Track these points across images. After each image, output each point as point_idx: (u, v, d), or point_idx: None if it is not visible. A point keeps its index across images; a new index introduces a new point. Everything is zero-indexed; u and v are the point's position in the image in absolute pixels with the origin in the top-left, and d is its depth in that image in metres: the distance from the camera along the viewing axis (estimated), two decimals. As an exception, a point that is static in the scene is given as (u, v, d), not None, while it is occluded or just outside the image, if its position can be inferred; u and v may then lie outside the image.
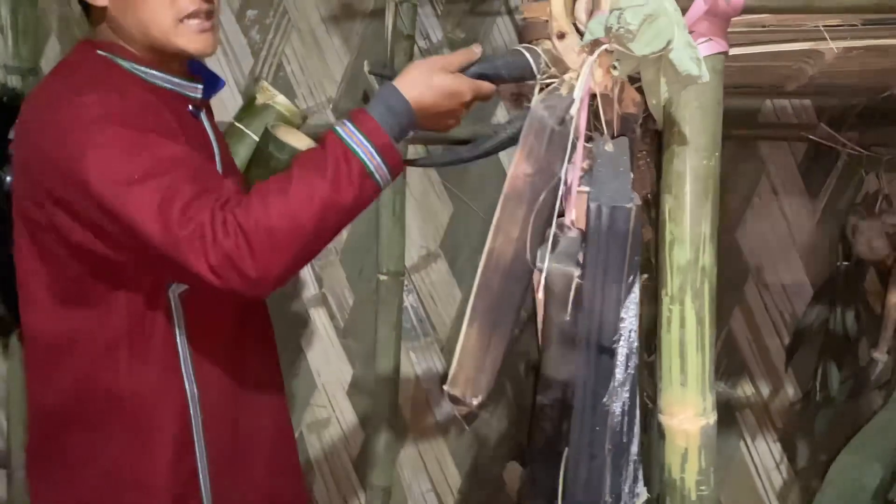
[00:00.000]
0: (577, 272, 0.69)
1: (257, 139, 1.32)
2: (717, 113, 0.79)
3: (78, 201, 0.99)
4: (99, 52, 1.08)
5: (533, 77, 0.91)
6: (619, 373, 0.74)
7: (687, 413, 0.82)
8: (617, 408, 0.75)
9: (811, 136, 1.51)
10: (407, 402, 2.12)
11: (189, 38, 1.07)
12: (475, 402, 0.73)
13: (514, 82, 0.94)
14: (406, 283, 2.02)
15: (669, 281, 0.80)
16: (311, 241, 0.96)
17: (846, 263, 1.44)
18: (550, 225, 0.71)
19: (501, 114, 2.03)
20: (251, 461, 1.18)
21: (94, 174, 0.97)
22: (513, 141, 0.92)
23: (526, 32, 1.17)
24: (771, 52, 0.94)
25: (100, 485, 1.10)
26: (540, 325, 0.73)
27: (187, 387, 1.10)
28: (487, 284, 0.73)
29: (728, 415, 1.91)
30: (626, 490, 0.77)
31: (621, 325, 0.73)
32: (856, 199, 1.53)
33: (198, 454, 1.11)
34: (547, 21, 0.96)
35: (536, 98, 0.74)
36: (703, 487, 0.83)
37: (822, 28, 0.90)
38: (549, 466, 0.74)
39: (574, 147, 0.69)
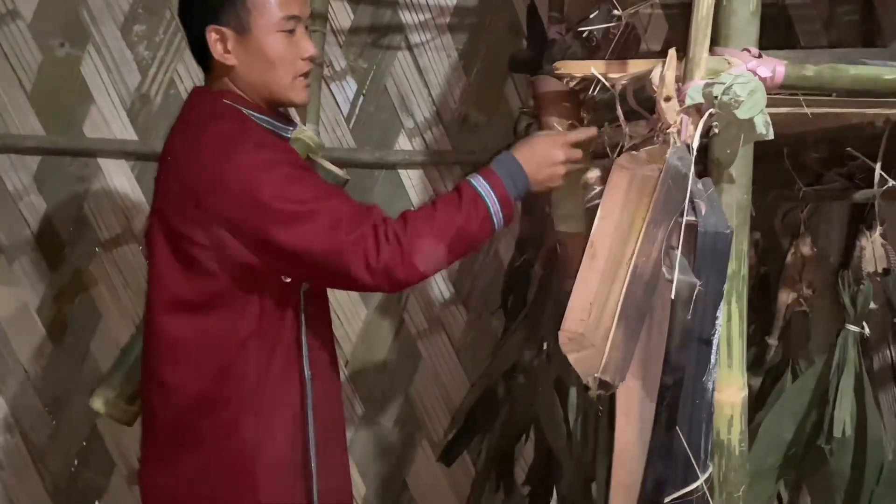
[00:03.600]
0: (699, 282, 0.90)
1: None
2: (751, 161, 1.06)
3: (254, 224, 1.19)
4: (225, 101, 1.29)
5: None
6: (713, 358, 0.97)
7: (732, 388, 1.07)
8: (710, 385, 0.98)
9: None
10: (314, 419, 2.17)
11: (298, 93, 1.32)
12: (621, 383, 0.91)
13: None
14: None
15: (720, 287, 1.04)
16: (444, 259, 1.22)
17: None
18: (675, 247, 0.92)
19: (404, 142, 2.18)
20: (339, 434, 1.40)
21: (273, 199, 1.18)
22: None
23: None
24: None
25: (231, 461, 1.26)
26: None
27: (306, 371, 1.29)
28: (632, 292, 0.91)
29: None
30: (706, 454, 0.99)
31: (717, 322, 0.96)
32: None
33: (309, 429, 1.29)
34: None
35: (671, 151, 0.94)
36: (743, 445, 1.08)
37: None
38: (670, 434, 0.94)
39: (691, 188, 0.91)
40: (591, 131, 1.27)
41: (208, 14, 1.27)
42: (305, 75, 1.31)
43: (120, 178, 2.09)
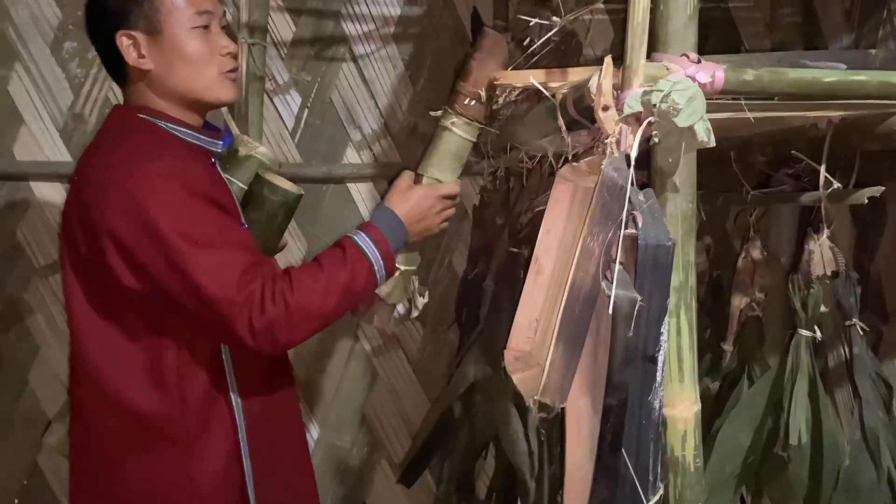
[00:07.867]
0: (639, 297, 0.87)
1: (243, 186, 1.36)
2: (695, 170, 1.03)
3: (144, 251, 1.14)
4: (140, 115, 1.23)
5: None
6: (658, 376, 0.93)
7: (685, 403, 1.04)
8: (657, 404, 0.94)
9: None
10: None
11: (225, 90, 1.26)
12: (561, 406, 0.87)
13: None
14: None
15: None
16: (327, 318, 1.19)
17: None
18: (613, 261, 0.88)
19: (352, 155, 2.13)
20: (284, 465, 1.30)
21: (171, 230, 1.12)
22: None
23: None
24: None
25: (155, 500, 1.20)
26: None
27: (233, 398, 1.22)
28: (570, 310, 0.87)
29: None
30: (656, 476, 0.96)
31: (662, 337, 0.92)
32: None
33: (244, 461, 1.23)
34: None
35: (606, 162, 0.90)
36: (698, 460, 1.05)
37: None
38: (615, 456, 0.90)
39: (630, 200, 0.87)
40: (457, 188, 1.33)
41: (115, 20, 1.21)
42: (230, 72, 1.26)
43: (54, 201, 2.01)
